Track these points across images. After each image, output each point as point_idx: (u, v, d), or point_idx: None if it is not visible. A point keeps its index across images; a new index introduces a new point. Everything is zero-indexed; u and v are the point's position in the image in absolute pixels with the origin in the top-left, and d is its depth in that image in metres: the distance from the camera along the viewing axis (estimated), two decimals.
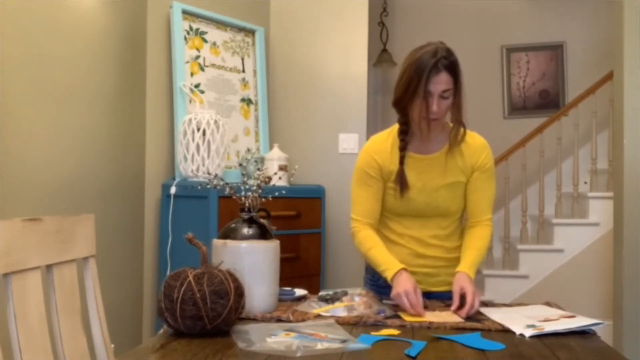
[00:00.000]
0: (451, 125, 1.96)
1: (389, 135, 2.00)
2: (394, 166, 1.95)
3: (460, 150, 1.96)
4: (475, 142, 1.98)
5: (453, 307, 1.74)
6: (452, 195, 1.98)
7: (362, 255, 2.02)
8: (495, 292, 4.70)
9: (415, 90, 1.82)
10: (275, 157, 3.20)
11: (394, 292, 1.77)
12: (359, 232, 1.98)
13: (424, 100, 1.83)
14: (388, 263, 1.87)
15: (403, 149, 1.94)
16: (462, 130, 1.93)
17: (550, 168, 5.19)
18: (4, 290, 1.35)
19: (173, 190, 2.90)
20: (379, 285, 2.03)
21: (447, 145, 1.96)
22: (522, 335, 1.52)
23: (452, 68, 1.83)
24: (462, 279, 1.82)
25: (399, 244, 2.01)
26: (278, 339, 1.41)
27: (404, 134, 1.95)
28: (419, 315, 1.69)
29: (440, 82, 1.82)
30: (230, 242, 1.68)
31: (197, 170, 2.91)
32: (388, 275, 1.84)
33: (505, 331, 1.56)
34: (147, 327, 2.99)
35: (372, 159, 1.97)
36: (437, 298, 1.93)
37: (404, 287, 1.75)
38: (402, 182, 1.93)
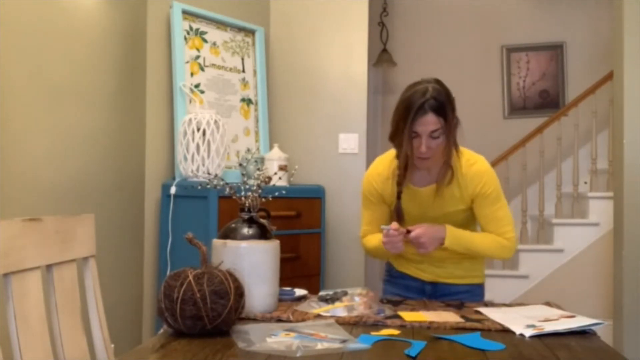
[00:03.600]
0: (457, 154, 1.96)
1: (392, 162, 2.00)
2: (394, 196, 1.98)
3: (457, 182, 1.95)
4: (471, 171, 1.96)
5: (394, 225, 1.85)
6: (454, 219, 1.99)
7: (369, 252, 2.14)
8: (495, 292, 4.67)
9: (403, 130, 1.84)
10: (275, 157, 3.19)
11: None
12: (364, 236, 2.13)
13: (412, 140, 1.84)
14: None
15: (400, 184, 1.96)
16: (450, 172, 1.93)
17: (550, 168, 5.18)
18: (4, 290, 1.35)
19: (173, 190, 2.90)
20: (392, 275, 2.15)
21: (447, 177, 1.94)
22: (522, 335, 1.52)
23: (441, 109, 1.82)
24: (433, 225, 1.89)
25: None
26: (278, 339, 1.41)
27: (402, 169, 1.94)
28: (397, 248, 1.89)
29: (427, 123, 1.82)
30: (230, 242, 1.68)
31: (197, 170, 2.91)
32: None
33: (505, 331, 1.56)
34: (147, 327, 2.99)
35: (372, 187, 2.04)
36: (443, 290, 1.94)
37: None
38: (398, 215, 1.97)
